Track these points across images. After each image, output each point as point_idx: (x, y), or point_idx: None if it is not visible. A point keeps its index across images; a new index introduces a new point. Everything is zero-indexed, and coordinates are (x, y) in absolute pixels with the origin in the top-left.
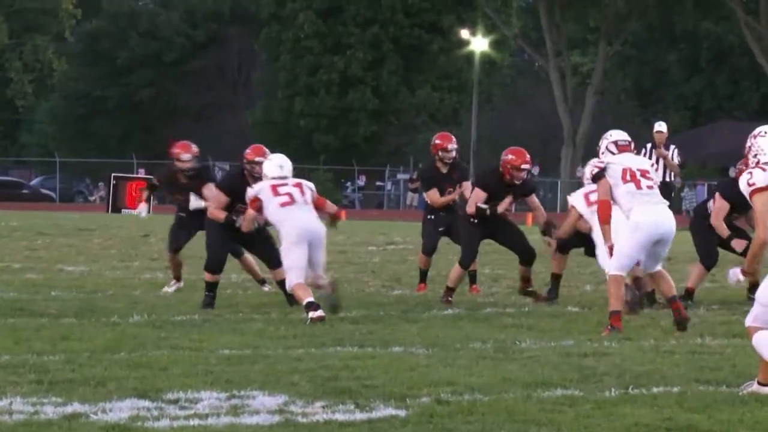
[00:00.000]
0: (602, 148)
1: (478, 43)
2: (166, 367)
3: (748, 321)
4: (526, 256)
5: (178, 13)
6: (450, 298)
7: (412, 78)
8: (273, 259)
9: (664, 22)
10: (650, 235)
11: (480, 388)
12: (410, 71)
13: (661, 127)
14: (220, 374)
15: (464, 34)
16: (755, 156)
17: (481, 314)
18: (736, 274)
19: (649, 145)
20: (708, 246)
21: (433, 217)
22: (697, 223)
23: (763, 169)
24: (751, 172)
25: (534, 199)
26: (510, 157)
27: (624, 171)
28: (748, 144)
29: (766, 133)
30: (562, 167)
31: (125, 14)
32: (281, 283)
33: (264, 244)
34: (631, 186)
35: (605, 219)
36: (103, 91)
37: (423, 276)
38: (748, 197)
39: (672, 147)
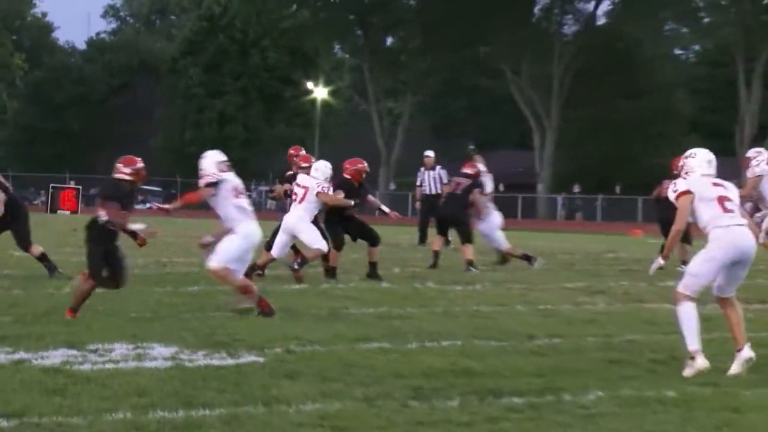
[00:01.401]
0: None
1: (320, 92)
2: (89, 325)
3: (679, 288)
4: (374, 240)
5: (100, 65)
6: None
7: (271, 117)
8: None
9: (453, 79)
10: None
11: (318, 341)
12: (270, 112)
13: (429, 153)
14: (128, 331)
15: (309, 85)
16: (686, 173)
17: (320, 288)
18: (657, 263)
19: (422, 168)
20: None
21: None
22: None
23: (685, 179)
24: (675, 182)
25: (370, 197)
26: (360, 165)
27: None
28: (681, 163)
29: (695, 155)
30: (379, 182)
31: (61, 66)
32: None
33: None
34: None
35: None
36: (44, 123)
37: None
38: (675, 201)
39: (438, 167)
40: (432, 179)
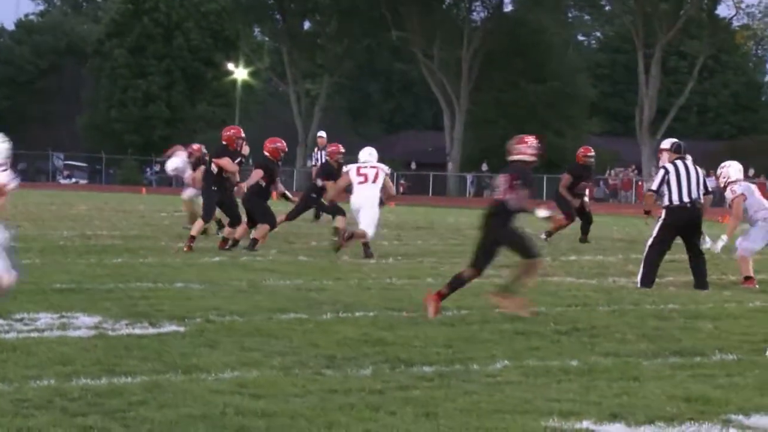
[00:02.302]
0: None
1: (240, 73)
2: (15, 296)
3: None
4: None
5: (28, 46)
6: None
7: (194, 97)
8: None
9: (368, 62)
10: None
11: (237, 312)
12: (193, 92)
13: (321, 133)
14: (53, 301)
15: (230, 66)
16: (726, 179)
17: (240, 261)
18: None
19: (316, 148)
20: None
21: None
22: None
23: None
24: (732, 188)
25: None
26: (279, 144)
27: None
28: (719, 173)
29: (730, 165)
30: (296, 160)
31: None
32: None
33: None
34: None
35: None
36: None
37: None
38: (731, 202)
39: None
40: (324, 159)
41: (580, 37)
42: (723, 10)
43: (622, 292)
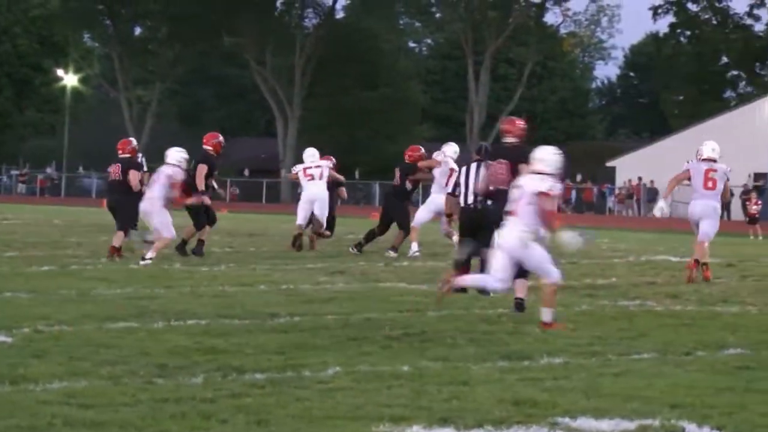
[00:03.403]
0: None
1: (70, 79)
2: None
3: None
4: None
5: None
6: None
7: (21, 102)
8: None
9: (200, 68)
10: None
11: (66, 322)
12: (20, 98)
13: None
14: None
15: (59, 72)
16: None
17: (69, 270)
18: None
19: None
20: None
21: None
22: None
23: None
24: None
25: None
26: (221, 138)
27: None
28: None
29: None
30: None
31: None
32: None
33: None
34: None
35: None
36: None
37: None
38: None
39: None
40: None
41: (411, 44)
42: (550, 18)
43: (452, 297)
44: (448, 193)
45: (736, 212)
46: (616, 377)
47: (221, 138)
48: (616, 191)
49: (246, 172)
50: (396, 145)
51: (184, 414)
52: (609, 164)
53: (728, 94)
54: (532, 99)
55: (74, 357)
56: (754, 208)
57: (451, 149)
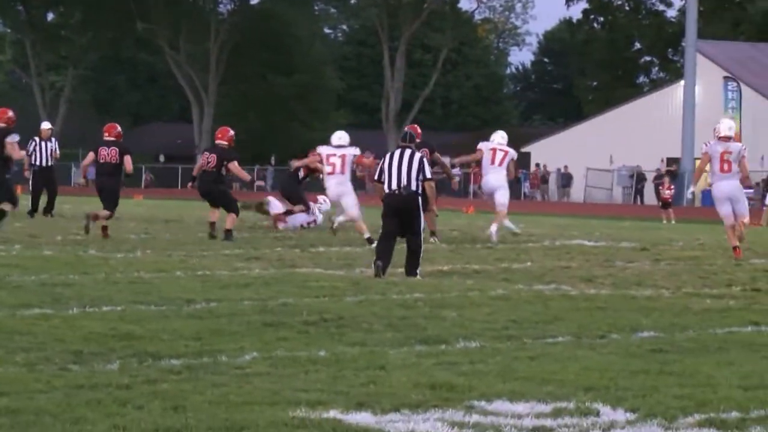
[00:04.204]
0: None
1: None
2: None
3: None
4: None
5: None
6: None
7: None
8: None
9: (113, 53)
10: None
11: None
12: None
13: (46, 125)
14: None
15: None
16: None
17: None
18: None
19: (37, 138)
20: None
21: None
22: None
23: None
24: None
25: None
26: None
27: None
28: None
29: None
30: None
31: None
32: None
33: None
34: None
35: None
36: None
37: None
38: None
39: (54, 140)
40: (48, 150)
41: (327, 30)
42: (465, 4)
43: (369, 283)
44: (374, 180)
45: (650, 197)
46: (532, 361)
47: (232, 132)
48: (531, 176)
49: (161, 158)
50: (312, 131)
51: (99, 401)
52: (524, 150)
53: (641, 79)
54: (447, 85)
55: None
56: (666, 193)
57: (499, 136)
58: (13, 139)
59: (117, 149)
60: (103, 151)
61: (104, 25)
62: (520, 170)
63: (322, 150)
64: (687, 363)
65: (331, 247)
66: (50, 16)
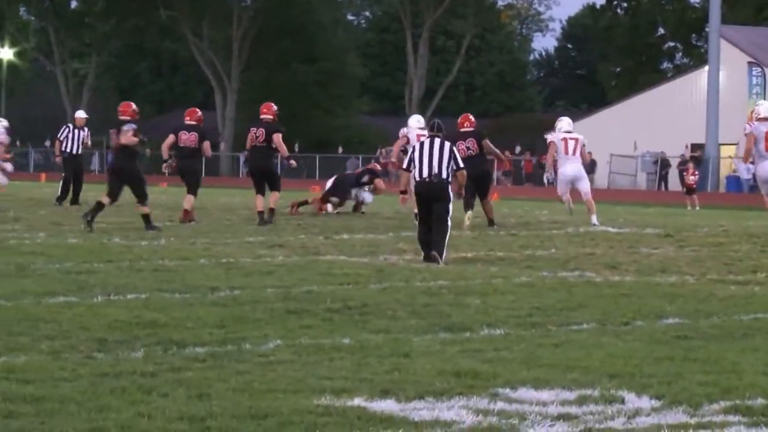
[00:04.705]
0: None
1: (5, 53)
2: None
3: None
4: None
5: None
6: None
7: None
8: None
9: (137, 41)
10: None
11: (4, 296)
12: None
13: (82, 114)
14: None
15: None
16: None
17: (8, 244)
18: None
19: (70, 125)
20: None
21: None
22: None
23: None
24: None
25: None
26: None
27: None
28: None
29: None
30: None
31: None
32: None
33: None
34: None
35: None
36: None
37: None
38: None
39: (86, 129)
40: (79, 139)
41: (350, 17)
42: None
43: (393, 270)
44: (403, 169)
45: (674, 183)
46: (556, 348)
47: (276, 107)
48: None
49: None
50: (335, 118)
51: (124, 389)
52: (546, 136)
53: (665, 65)
54: (470, 71)
55: (13, 332)
56: (691, 179)
57: (566, 123)
58: (129, 127)
59: (196, 134)
60: (184, 135)
61: (127, 13)
62: (543, 157)
63: (412, 131)
64: (712, 350)
65: (355, 234)
66: (74, 4)
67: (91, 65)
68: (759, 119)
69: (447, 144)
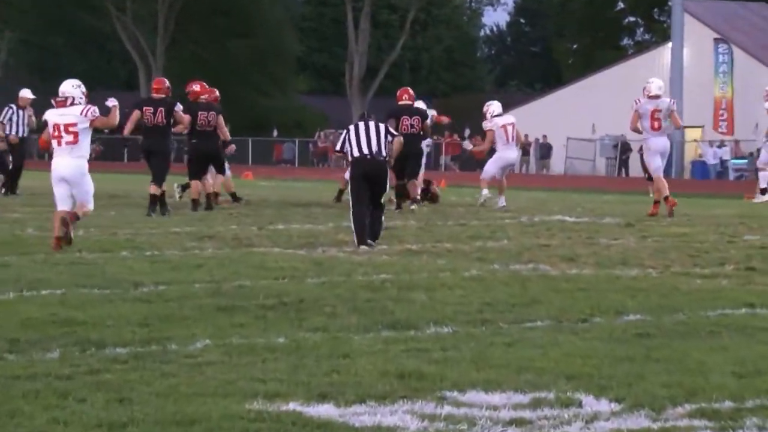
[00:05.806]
0: None
1: None
2: None
3: None
4: None
5: None
6: None
7: None
8: None
9: (55, 16)
10: None
11: None
12: None
13: (27, 93)
14: None
15: None
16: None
17: None
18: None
19: (14, 106)
20: None
21: None
22: None
23: None
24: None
25: None
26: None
27: None
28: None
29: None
30: None
31: None
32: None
33: None
34: None
35: None
36: None
37: None
38: None
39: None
40: (23, 120)
41: None
42: None
43: (332, 263)
44: (337, 151)
45: (635, 168)
46: (508, 347)
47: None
48: None
49: (106, 130)
50: (271, 98)
51: (38, 392)
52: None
53: (625, 42)
54: (415, 48)
55: None
56: None
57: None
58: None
59: (215, 113)
60: (203, 116)
61: None
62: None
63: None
64: (676, 348)
65: (291, 224)
66: None
67: (3, 41)
68: (650, 97)
69: (381, 124)
